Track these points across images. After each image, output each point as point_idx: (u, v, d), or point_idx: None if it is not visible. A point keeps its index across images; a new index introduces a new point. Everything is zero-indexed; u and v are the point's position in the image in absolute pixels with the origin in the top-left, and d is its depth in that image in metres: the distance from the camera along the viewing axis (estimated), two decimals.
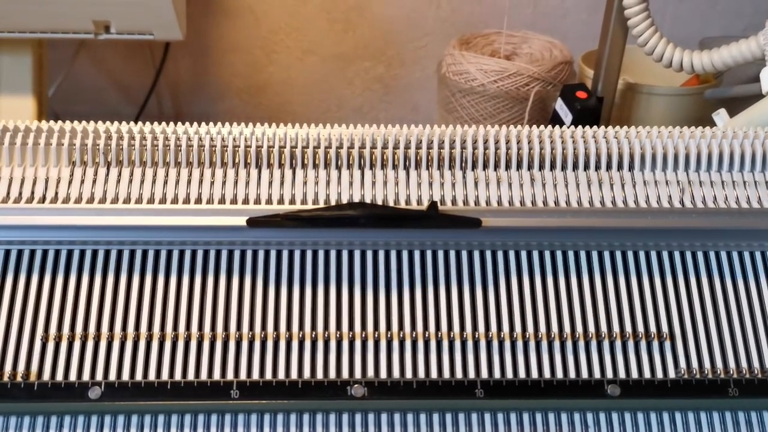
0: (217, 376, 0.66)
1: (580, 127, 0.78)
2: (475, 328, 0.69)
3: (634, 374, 0.67)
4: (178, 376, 0.66)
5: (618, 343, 0.69)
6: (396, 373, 0.67)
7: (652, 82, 1.30)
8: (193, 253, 0.71)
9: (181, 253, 0.71)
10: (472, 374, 0.67)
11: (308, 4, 1.55)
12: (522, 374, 0.67)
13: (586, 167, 0.76)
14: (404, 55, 1.61)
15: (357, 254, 0.72)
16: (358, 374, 0.67)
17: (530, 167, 0.75)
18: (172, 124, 0.76)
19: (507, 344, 0.68)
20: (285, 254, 0.71)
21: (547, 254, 0.72)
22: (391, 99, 1.66)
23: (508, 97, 1.30)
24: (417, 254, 0.72)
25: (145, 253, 0.71)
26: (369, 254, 0.72)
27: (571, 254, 0.72)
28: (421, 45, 1.60)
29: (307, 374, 0.67)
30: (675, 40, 1.13)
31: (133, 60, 1.59)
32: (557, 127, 0.78)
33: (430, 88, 1.56)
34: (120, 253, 0.71)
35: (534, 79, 1.29)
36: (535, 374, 0.67)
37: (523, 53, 1.41)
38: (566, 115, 1.24)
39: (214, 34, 1.58)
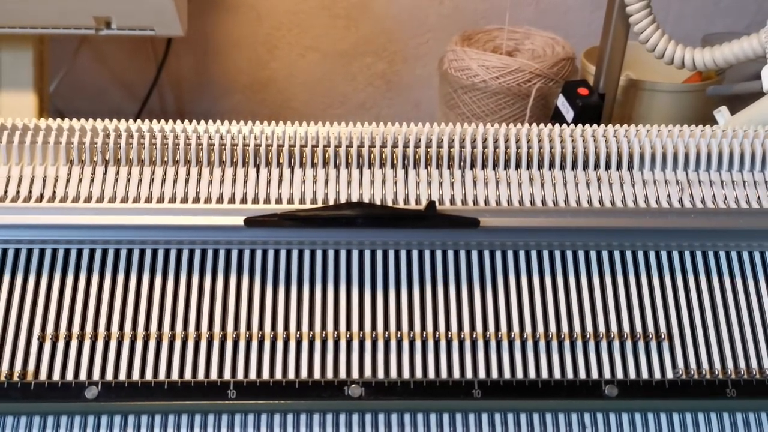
0: (214, 375, 0.66)
1: (579, 125, 0.78)
2: (472, 328, 0.69)
3: (632, 375, 0.67)
4: (175, 376, 0.66)
5: (616, 344, 0.68)
6: (393, 373, 0.67)
7: (654, 78, 1.30)
8: (191, 253, 0.71)
9: (179, 253, 0.71)
10: (469, 374, 0.67)
11: (310, 0, 1.55)
12: (519, 374, 0.67)
13: (585, 166, 0.75)
14: (406, 51, 1.61)
15: (355, 254, 0.72)
16: (355, 374, 0.67)
17: (529, 166, 0.75)
18: (170, 121, 0.76)
19: (505, 344, 0.68)
20: (283, 254, 0.71)
21: (545, 254, 0.72)
22: (394, 95, 1.66)
23: (510, 94, 1.29)
24: (415, 254, 0.72)
25: (142, 253, 0.71)
26: (367, 254, 0.72)
27: (569, 254, 0.72)
28: (423, 41, 1.59)
29: (304, 374, 0.67)
30: (679, 38, 1.12)
31: (135, 56, 1.59)
32: (556, 125, 0.78)
33: (432, 85, 1.56)
34: (117, 252, 0.71)
35: (536, 75, 1.29)
36: (532, 374, 0.67)
37: (525, 49, 1.40)
38: (568, 112, 1.24)
39: (216, 31, 1.58)
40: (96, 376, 0.66)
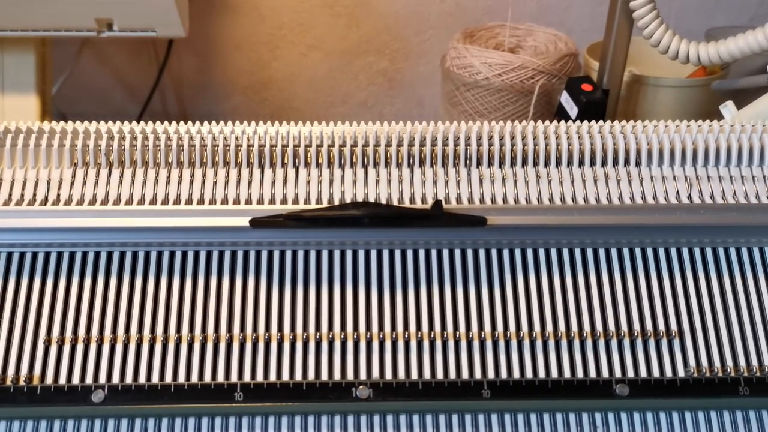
0: (220, 378, 0.66)
1: (585, 122, 0.78)
2: (481, 327, 0.68)
3: (643, 373, 0.67)
4: (181, 379, 0.66)
5: (626, 342, 0.68)
6: (401, 374, 0.66)
7: (658, 73, 1.29)
8: (196, 255, 0.71)
9: (184, 255, 0.70)
10: (478, 374, 0.67)
11: None
12: (529, 374, 0.67)
13: (592, 163, 0.75)
14: (408, 49, 1.60)
15: (361, 254, 0.71)
16: (363, 375, 0.66)
17: (536, 164, 0.75)
18: (174, 123, 0.76)
19: (514, 344, 0.68)
20: (289, 254, 0.71)
21: (553, 252, 0.71)
22: (396, 93, 1.65)
23: (513, 91, 1.29)
24: (422, 253, 0.71)
25: (147, 255, 0.70)
26: (373, 254, 0.71)
27: (578, 252, 0.71)
28: (425, 39, 1.59)
29: (311, 376, 0.66)
30: (682, 32, 1.12)
31: (137, 58, 1.59)
32: (562, 122, 0.78)
33: (434, 82, 1.55)
34: (123, 254, 0.70)
35: (539, 72, 1.28)
36: (542, 374, 0.67)
37: (528, 46, 1.40)
38: (571, 108, 1.23)
39: (218, 31, 1.57)
40: (102, 379, 0.65)
